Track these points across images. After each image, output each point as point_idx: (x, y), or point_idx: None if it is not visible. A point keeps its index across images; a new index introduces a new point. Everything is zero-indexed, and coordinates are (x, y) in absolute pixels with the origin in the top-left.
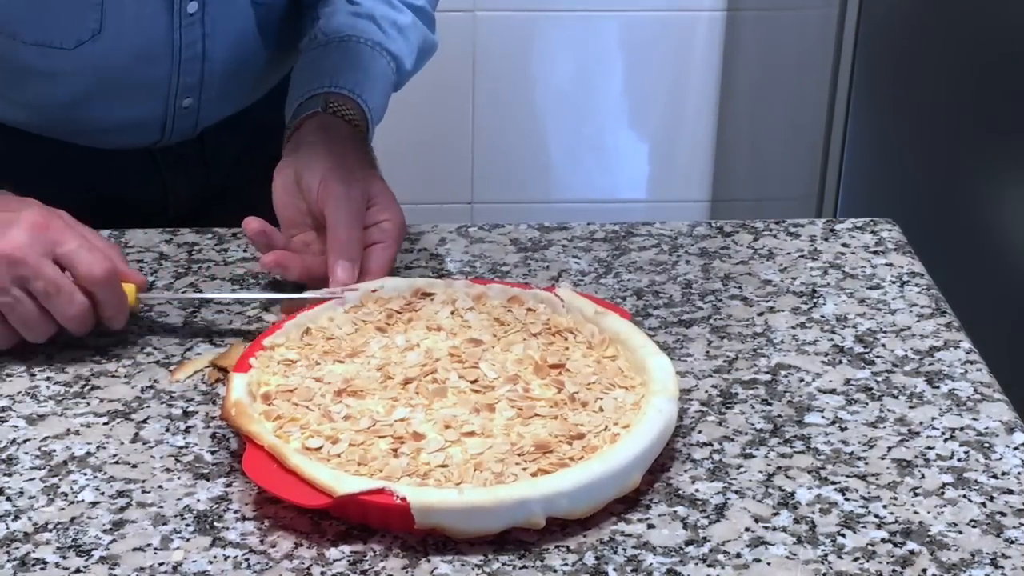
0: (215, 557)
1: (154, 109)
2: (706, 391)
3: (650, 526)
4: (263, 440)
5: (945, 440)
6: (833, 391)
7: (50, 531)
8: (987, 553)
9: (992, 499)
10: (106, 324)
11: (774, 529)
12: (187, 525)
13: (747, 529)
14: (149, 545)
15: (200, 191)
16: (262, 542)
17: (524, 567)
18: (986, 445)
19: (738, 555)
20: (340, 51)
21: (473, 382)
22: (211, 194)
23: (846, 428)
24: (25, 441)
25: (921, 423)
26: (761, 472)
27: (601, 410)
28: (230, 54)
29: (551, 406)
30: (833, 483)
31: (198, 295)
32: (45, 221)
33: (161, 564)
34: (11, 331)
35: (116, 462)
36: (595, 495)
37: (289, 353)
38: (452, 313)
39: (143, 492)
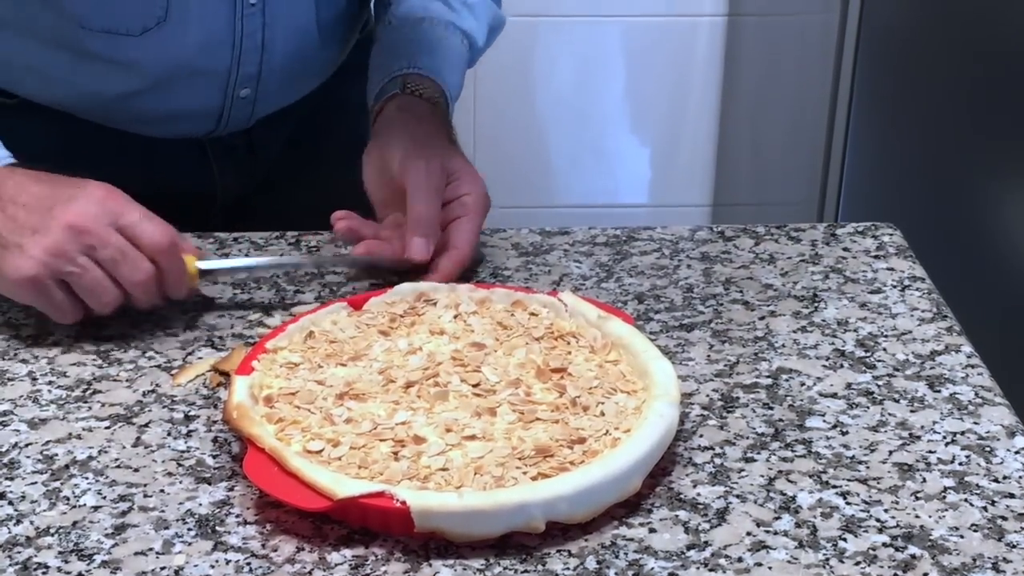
0: (217, 561)
1: (212, 99)
2: (707, 395)
3: (651, 530)
4: (264, 443)
5: (946, 444)
6: (834, 395)
7: (52, 535)
8: (988, 557)
9: (993, 503)
10: (170, 293)
11: (775, 533)
12: (189, 529)
13: (748, 533)
14: (151, 549)
15: (248, 181)
16: (264, 546)
17: (525, 571)
18: (987, 449)
19: (739, 559)
20: (414, 33)
21: (475, 386)
22: (258, 184)
23: (847, 432)
24: (27, 445)
25: (922, 427)
26: (762, 476)
27: (603, 414)
28: (289, 46)
29: (552, 410)
30: (834, 487)
31: (254, 261)
32: (107, 193)
33: (163, 568)
34: (78, 302)
35: (118, 466)
36: (595, 499)
37: (292, 356)
38: (455, 317)
39: (145, 496)
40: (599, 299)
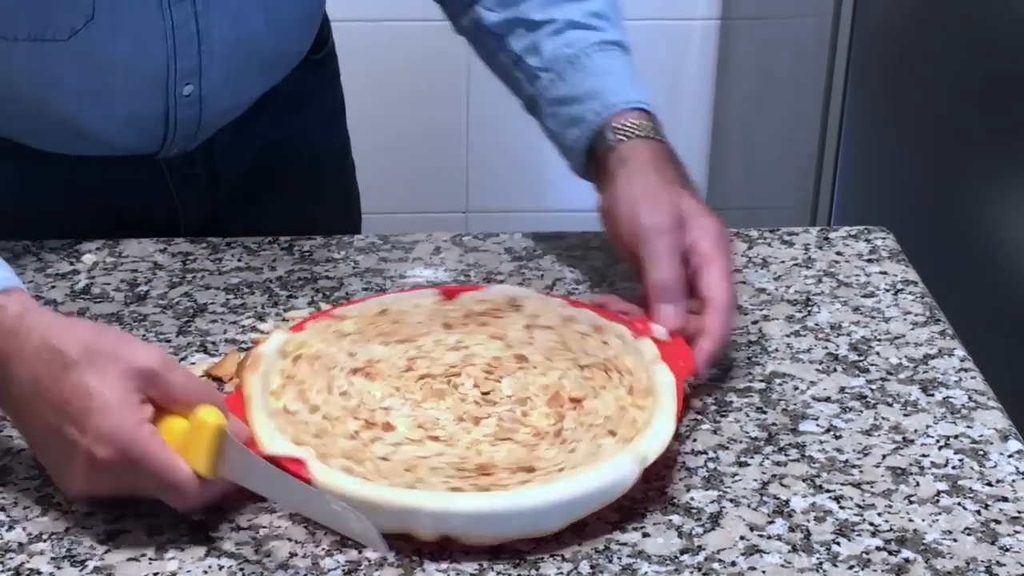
0: (210, 567)
1: (155, 100)
2: (701, 399)
3: (645, 535)
4: (245, 389)
5: (939, 448)
6: (828, 399)
7: (44, 541)
8: (982, 561)
9: (987, 507)
10: None
11: (769, 537)
12: (182, 535)
13: (742, 537)
14: (144, 555)
15: (210, 208)
16: (257, 552)
17: (519, 575)
18: (980, 453)
19: (733, 563)
20: (577, 74)
21: (485, 394)
22: (221, 212)
23: (841, 436)
24: (20, 451)
25: (915, 431)
26: (756, 480)
27: (572, 452)
28: (230, 34)
29: (533, 435)
30: (828, 491)
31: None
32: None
33: (156, 574)
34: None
35: None
36: (494, 527)
37: (350, 326)
38: (527, 327)
39: (137, 502)
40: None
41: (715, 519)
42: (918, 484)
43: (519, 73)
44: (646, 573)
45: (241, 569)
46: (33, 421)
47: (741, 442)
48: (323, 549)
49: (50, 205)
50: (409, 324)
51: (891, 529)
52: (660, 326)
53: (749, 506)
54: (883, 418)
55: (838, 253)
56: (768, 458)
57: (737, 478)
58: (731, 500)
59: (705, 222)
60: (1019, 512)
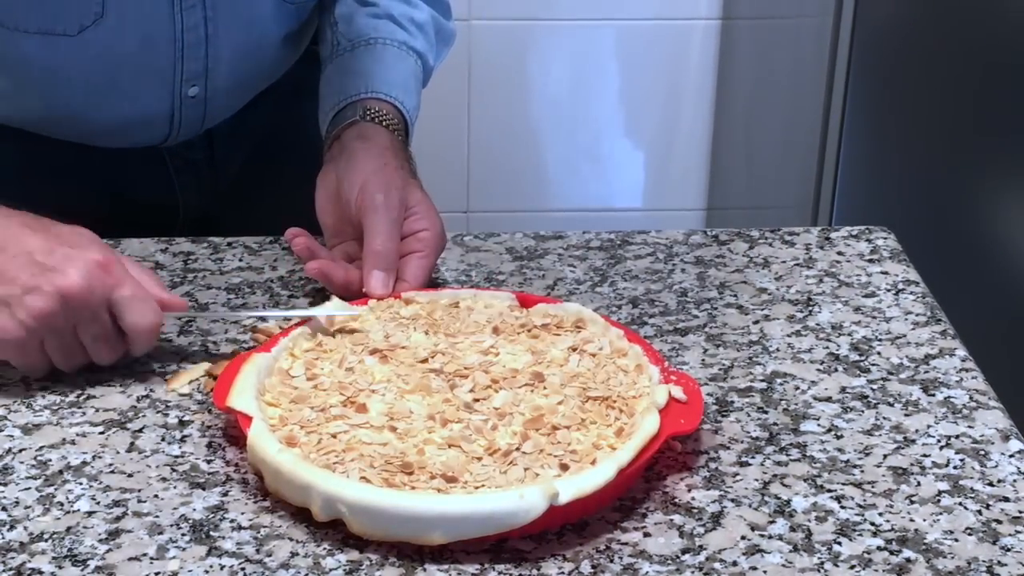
0: (211, 567)
1: (160, 100)
2: (702, 399)
3: (646, 534)
4: (273, 345)
5: (941, 448)
6: (829, 399)
7: (46, 541)
8: (983, 561)
9: (988, 507)
10: (132, 354)
11: (770, 537)
12: (183, 534)
13: (743, 537)
14: (145, 555)
15: (210, 195)
16: (258, 551)
17: (520, 575)
18: (982, 453)
19: (734, 563)
20: (368, 55)
21: (474, 401)
22: (220, 199)
23: (842, 436)
24: (21, 451)
25: (917, 431)
26: (757, 480)
27: (505, 473)
28: (236, 39)
29: (484, 449)
30: (829, 491)
31: (228, 313)
32: (103, 260)
33: (157, 574)
34: (45, 359)
35: (112, 471)
36: (375, 523)
37: (409, 309)
38: (570, 349)
39: (139, 501)
40: (593, 303)
41: (716, 519)
42: (919, 484)
43: (328, 33)
44: (647, 573)
45: (242, 569)
46: None
47: (742, 442)
48: (324, 549)
49: (50, 187)
50: (467, 322)
51: (892, 529)
52: (368, 290)
53: (750, 506)
54: (884, 418)
55: (839, 253)
56: (769, 458)
57: (738, 478)
58: (732, 500)
59: (433, 216)
60: (1020, 512)
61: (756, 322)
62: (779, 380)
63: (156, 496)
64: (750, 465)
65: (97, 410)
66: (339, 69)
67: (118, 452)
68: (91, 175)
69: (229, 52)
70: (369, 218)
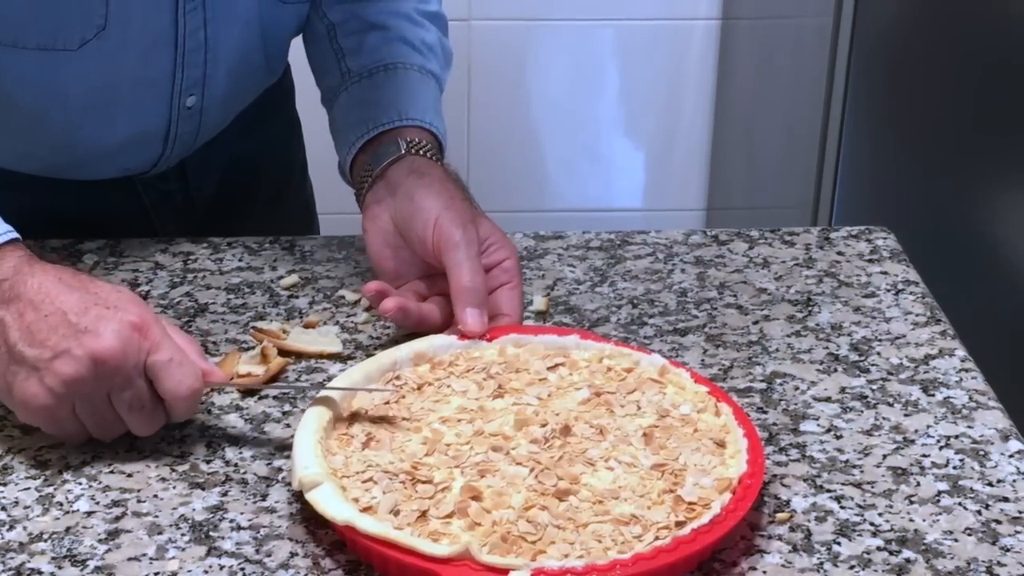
0: (211, 567)
1: (158, 114)
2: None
3: None
4: (362, 366)
5: (940, 448)
6: (828, 399)
7: (45, 541)
8: (983, 561)
9: (987, 507)
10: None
11: (770, 537)
12: (182, 535)
13: (743, 537)
14: (144, 555)
15: (186, 226)
16: (257, 551)
17: None
18: (981, 453)
19: (734, 564)
20: (390, 81)
21: (531, 441)
22: (196, 228)
23: (841, 436)
24: (20, 451)
25: (916, 431)
26: None
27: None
28: (233, 42)
29: (538, 491)
30: (829, 491)
31: (257, 386)
32: (140, 322)
33: (157, 574)
34: (80, 427)
35: (111, 471)
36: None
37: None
38: (638, 409)
39: (138, 502)
40: (592, 304)
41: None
42: (919, 484)
43: (333, 62)
44: None
45: (242, 569)
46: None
47: None
48: (323, 549)
49: (25, 231)
50: (570, 375)
51: (892, 529)
52: (466, 328)
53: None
54: (884, 418)
55: (839, 253)
56: (769, 458)
57: None
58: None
59: (508, 244)
60: (1020, 512)
61: (756, 322)
62: (779, 380)
63: (156, 496)
64: None
65: None
66: (358, 98)
67: (117, 452)
68: (68, 217)
69: (226, 56)
70: (451, 255)
